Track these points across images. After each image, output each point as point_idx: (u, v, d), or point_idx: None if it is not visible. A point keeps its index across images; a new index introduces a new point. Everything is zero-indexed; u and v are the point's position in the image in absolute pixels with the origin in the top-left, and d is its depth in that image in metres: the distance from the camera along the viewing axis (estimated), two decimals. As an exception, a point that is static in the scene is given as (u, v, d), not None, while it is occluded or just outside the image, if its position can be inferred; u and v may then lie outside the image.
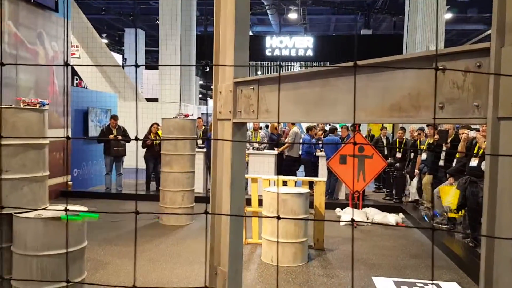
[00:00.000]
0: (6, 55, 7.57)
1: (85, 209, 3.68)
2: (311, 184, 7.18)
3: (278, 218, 1.05)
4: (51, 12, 8.92)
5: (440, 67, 1.16)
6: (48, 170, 3.89)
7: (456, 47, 1.15)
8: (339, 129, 10.71)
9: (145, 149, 9.51)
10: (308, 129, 10.37)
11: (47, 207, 3.79)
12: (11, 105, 3.84)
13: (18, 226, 3.49)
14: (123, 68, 18.62)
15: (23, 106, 3.74)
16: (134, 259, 5.48)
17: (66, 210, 1.27)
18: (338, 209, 8.35)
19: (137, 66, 0.90)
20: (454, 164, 6.72)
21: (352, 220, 0.88)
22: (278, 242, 5.08)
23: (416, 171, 8.32)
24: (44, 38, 8.76)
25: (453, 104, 1.18)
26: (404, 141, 9.37)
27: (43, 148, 3.74)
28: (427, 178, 7.72)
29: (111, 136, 9.08)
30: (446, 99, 1.19)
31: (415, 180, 8.48)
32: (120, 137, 9.16)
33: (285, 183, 6.37)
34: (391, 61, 1.31)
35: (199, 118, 11.14)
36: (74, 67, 14.05)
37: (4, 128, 3.47)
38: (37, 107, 3.76)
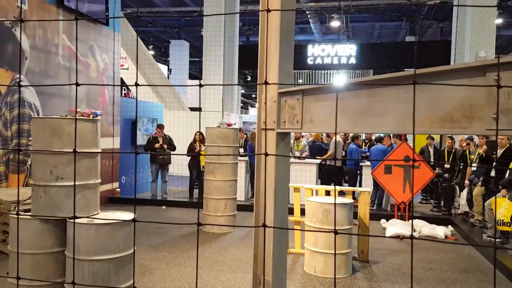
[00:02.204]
0: (60, 67, 7.99)
1: (133, 215, 3.80)
2: (354, 194, 7.06)
3: (336, 233, 1.05)
4: (102, 25, 9.35)
5: (492, 80, 1.12)
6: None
7: (510, 57, 1.12)
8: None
9: (189, 157, 9.71)
10: (354, 138, 10.22)
11: (98, 213, 3.95)
12: (66, 116, 4.05)
13: (71, 231, 3.66)
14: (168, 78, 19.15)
15: (78, 116, 3.93)
16: (181, 266, 5.58)
17: (134, 220, 1.33)
18: (383, 220, 8.14)
19: (201, 85, 0.94)
20: (507, 175, 6.41)
21: (412, 237, 0.87)
22: (335, 255, 5.02)
23: (467, 182, 7.99)
24: (95, 50, 9.18)
25: (508, 115, 1.14)
26: (453, 151, 9.04)
27: (95, 156, 3.91)
28: (478, 190, 7.40)
29: (157, 145, 9.36)
30: (500, 110, 1.15)
31: (465, 192, 8.15)
32: (166, 146, 9.42)
33: (328, 193, 6.30)
34: (443, 71, 1.28)
35: (240, 130, 11.27)
36: (122, 78, 14.60)
37: (60, 137, 3.66)
38: (91, 117, 3.95)
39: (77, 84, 1.02)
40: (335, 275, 5.08)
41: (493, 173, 7.02)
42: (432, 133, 1.45)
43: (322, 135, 11.08)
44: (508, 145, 6.86)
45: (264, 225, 1.25)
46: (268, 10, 1.79)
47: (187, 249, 6.25)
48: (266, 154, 2.00)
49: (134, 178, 10.64)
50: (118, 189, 9.87)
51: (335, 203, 1.23)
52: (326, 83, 1.72)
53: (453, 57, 13.55)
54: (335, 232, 1.04)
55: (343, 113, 1.70)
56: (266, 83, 1.70)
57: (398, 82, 1.43)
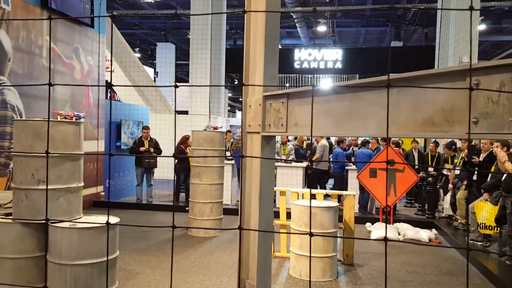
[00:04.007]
0: (44, 69, 7.88)
1: (117, 219, 3.76)
2: (340, 198, 7.10)
3: (311, 235, 1.05)
4: (87, 27, 9.25)
5: (473, 84, 1.14)
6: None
7: (490, 61, 1.14)
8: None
9: (176, 161, 9.64)
10: (339, 142, 10.28)
11: (81, 217, 3.89)
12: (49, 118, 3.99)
13: (53, 236, 3.60)
14: (155, 81, 19.04)
15: (61, 119, 3.88)
16: (166, 270, 5.53)
17: (107, 223, 1.31)
18: (368, 224, 8.20)
19: (176, 86, 0.93)
20: (489, 179, 6.51)
21: (386, 239, 0.87)
22: (310, 257, 5.03)
23: (450, 185, 8.10)
24: (80, 52, 9.08)
25: (488, 119, 1.16)
26: (436, 155, 9.15)
27: (78, 159, 3.86)
28: (461, 193, 7.50)
29: (142, 149, 9.27)
30: (480, 114, 1.17)
31: (448, 195, 8.26)
32: (152, 150, 9.34)
33: (313, 197, 6.32)
34: (423, 75, 1.30)
35: (228, 131, 11.24)
36: (108, 80, 14.48)
37: (42, 140, 3.60)
38: (74, 120, 3.90)
39: (50, 84, 1.00)
40: (310, 277, 5.10)
41: (475, 177, 7.13)
42: (414, 136, 1.46)
43: (306, 139, 11.12)
44: (491, 149, 6.97)
45: (240, 228, 1.25)
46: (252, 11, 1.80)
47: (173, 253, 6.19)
48: (243, 156, 2.00)
49: (117, 182, 10.53)
50: (103, 193, 9.76)
51: (310, 206, 1.23)
52: (310, 86, 1.73)
53: (437, 62, 13.75)
54: (311, 235, 1.04)
55: (327, 117, 1.71)
56: (249, 81, 1.70)
57: (374, 85, 1.44)
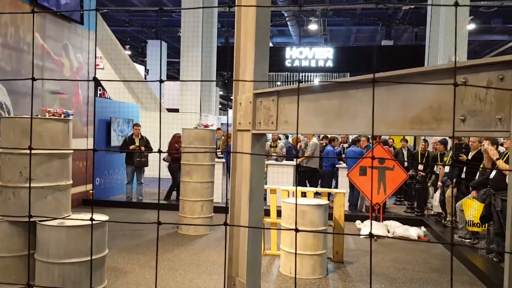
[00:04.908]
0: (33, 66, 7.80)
1: (106, 217, 3.73)
2: (330, 196, 7.12)
3: (297, 230, 1.05)
4: (77, 24, 9.17)
5: (460, 82, 1.15)
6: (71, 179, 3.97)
7: (477, 60, 1.14)
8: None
9: (169, 160, 9.60)
10: (331, 140, 10.32)
11: (69, 216, 3.86)
12: (37, 115, 3.95)
13: (41, 234, 3.56)
14: (145, 79, 18.94)
15: (49, 116, 3.84)
16: (155, 269, 5.51)
17: (91, 220, 1.30)
18: (358, 222, 8.24)
19: (161, 81, 0.93)
20: (477, 176, 6.57)
21: (371, 235, 0.87)
22: (296, 254, 5.03)
23: (439, 183, 8.17)
24: (70, 49, 8.99)
25: (475, 117, 1.16)
26: (426, 153, 9.22)
27: (67, 157, 3.82)
28: (450, 191, 7.57)
29: (133, 146, 9.20)
30: (468, 111, 1.17)
31: (437, 193, 8.33)
32: (143, 148, 9.27)
33: (304, 194, 6.34)
34: (410, 73, 1.30)
35: (218, 129, 11.21)
36: (98, 78, 14.37)
37: (30, 137, 3.56)
38: (62, 117, 3.86)
39: (33, 79, 0.99)
40: (296, 275, 5.12)
41: (463, 175, 7.20)
42: (402, 134, 1.47)
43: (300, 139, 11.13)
44: (479, 147, 7.04)
45: (226, 224, 1.24)
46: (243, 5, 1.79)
47: (161, 252, 6.17)
48: (232, 152, 1.99)
49: (107, 180, 10.46)
50: (92, 191, 9.68)
51: (296, 203, 1.23)
52: (298, 80, 1.73)
53: (426, 61, 13.86)
54: (296, 230, 1.04)
55: (317, 115, 1.71)
56: (240, 79, 1.69)
57: (360, 82, 1.45)
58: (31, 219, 3.63)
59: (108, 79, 13.77)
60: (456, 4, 1.06)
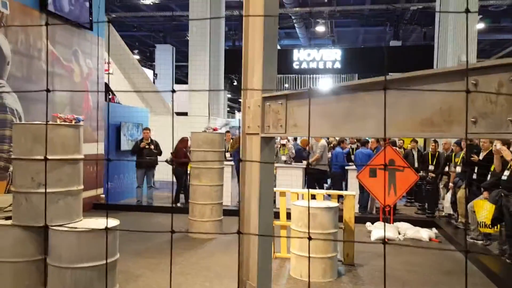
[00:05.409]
0: (43, 72, 7.88)
1: (117, 222, 3.76)
2: (339, 198, 7.10)
3: (309, 239, 1.05)
4: (86, 30, 9.25)
5: (471, 84, 1.14)
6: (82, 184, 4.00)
7: (488, 61, 1.14)
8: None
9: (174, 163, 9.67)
10: (340, 142, 10.29)
11: (81, 220, 3.89)
12: (48, 121, 3.99)
13: (53, 239, 3.59)
14: (154, 83, 19.05)
15: (60, 122, 3.88)
16: (167, 273, 5.53)
17: (106, 229, 1.31)
18: (368, 224, 8.19)
19: (173, 91, 0.93)
20: (489, 177, 6.51)
21: (384, 242, 0.87)
22: (309, 260, 5.02)
23: (451, 184, 8.09)
24: (79, 55, 9.08)
25: (486, 119, 1.16)
26: (437, 154, 9.14)
27: (78, 163, 3.86)
28: (461, 192, 7.50)
29: (143, 144, 9.31)
30: (479, 113, 1.16)
31: (449, 194, 8.25)
32: (152, 146, 9.39)
33: (313, 197, 6.32)
34: (421, 76, 1.29)
35: (227, 132, 11.24)
36: (107, 83, 14.50)
37: (41, 143, 3.60)
38: (73, 123, 3.89)
39: (48, 90, 1.00)
40: (309, 279, 5.10)
41: (475, 176, 7.12)
42: (413, 136, 1.47)
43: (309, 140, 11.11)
44: (490, 148, 6.97)
45: (239, 232, 1.25)
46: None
47: (172, 255, 6.19)
48: (240, 160, 2.00)
49: (115, 184, 10.52)
50: (103, 195, 9.75)
51: (308, 212, 1.22)
52: (308, 88, 1.73)
53: (435, 61, 13.76)
54: (309, 238, 1.04)
55: (326, 118, 1.71)
56: (248, 83, 1.70)
57: (372, 87, 1.44)
58: (43, 223, 3.66)
59: (117, 84, 13.87)
60: (467, 11, 1.05)
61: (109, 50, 13.33)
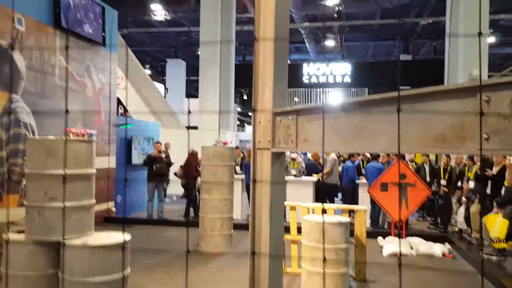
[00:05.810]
0: (57, 87, 8.00)
1: (129, 237, 3.77)
2: (350, 213, 7.03)
3: (324, 259, 1.05)
4: (99, 46, 9.41)
5: (484, 102, 1.14)
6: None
7: (500, 78, 1.14)
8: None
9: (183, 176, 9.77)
10: (351, 155, 10.24)
11: (93, 234, 3.91)
12: (61, 136, 4.04)
13: (66, 253, 3.61)
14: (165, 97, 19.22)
15: (73, 137, 3.93)
16: None
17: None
18: (380, 238, 8.10)
19: (189, 112, 0.95)
20: (502, 192, 6.41)
21: (400, 264, 0.87)
22: (324, 275, 4.97)
23: (464, 199, 7.98)
24: (92, 70, 9.22)
25: (499, 135, 1.15)
26: (449, 168, 9.04)
27: (90, 177, 3.89)
28: (475, 207, 7.39)
29: (155, 152, 9.39)
30: (491, 130, 1.16)
31: (462, 209, 8.13)
32: (165, 156, 9.51)
33: (324, 211, 6.27)
34: (433, 92, 1.30)
35: (237, 147, 11.26)
36: (119, 97, 14.68)
37: (55, 158, 3.65)
38: (86, 138, 3.94)
39: (67, 111, 1.03)
40: (332, 295, 5.03)
41: (488, 191, 7.03)
42: (425, 152, 1.47)
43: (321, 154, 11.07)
44: (503, 163, 6.88)
45: (253, 252, 1.25)
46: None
47: (183, 270, 6.17)
48: (254, 181, 2.00)
49: (128, 197, 10.57)
50: (114, 209, 9.79)
51: (323, 235, 1.22)
52: (318, 104, 1.74)
53: (446, 75, 13.70)
54: (324, 259, 1.04)
55: (336, 133, 1.71)
56: (259, 98, 1.71)
57: (384, 104, 1.44)
58: (55, 238, 3.68)
59: (129, 98, 14.02)
60: (480, 34, 1.06)
61: (121, 64, 13.53)
